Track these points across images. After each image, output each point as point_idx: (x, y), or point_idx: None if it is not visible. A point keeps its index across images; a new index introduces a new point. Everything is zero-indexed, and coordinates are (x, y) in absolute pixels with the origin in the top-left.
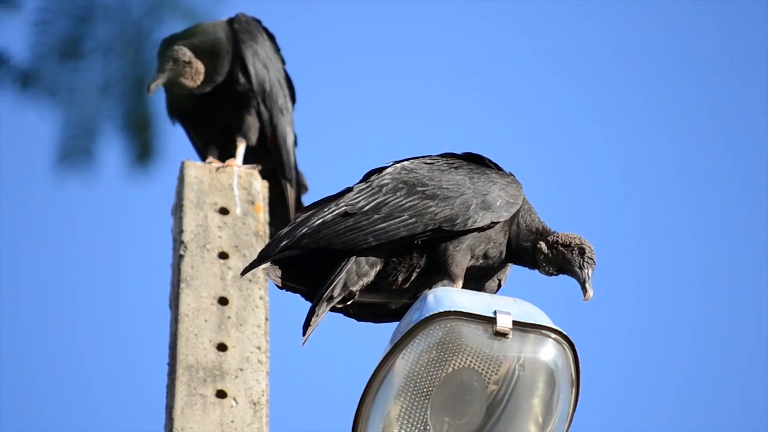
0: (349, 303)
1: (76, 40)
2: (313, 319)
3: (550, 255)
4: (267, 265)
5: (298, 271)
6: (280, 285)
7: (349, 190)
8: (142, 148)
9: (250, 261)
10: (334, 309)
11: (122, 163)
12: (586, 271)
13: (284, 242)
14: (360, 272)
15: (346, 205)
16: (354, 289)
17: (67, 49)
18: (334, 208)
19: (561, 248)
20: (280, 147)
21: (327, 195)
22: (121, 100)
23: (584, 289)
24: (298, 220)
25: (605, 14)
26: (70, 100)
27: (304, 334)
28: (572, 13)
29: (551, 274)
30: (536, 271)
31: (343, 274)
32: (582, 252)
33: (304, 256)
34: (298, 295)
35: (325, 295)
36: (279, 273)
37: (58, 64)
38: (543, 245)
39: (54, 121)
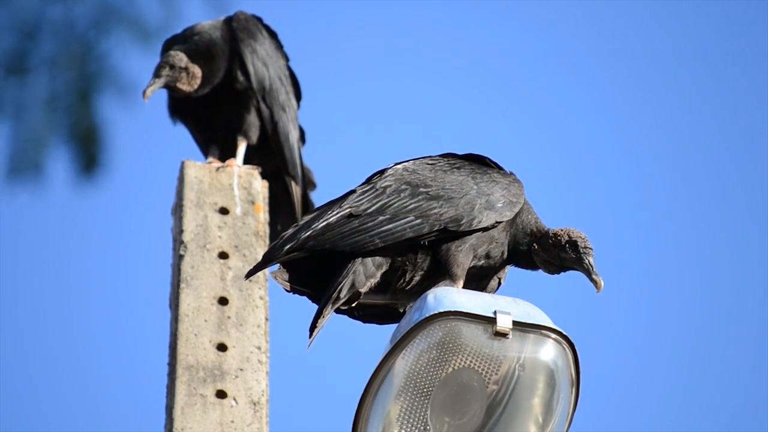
0: (354, 304)
1: (21, 56)
2: (319, 321)
3: (546, 257)
4: (274, 268)
5: (300, 275)
6: (288, 288)
7: (352, 192)
8: (89, 160)
9: (251, 261)
10: (339, 311)
11: (70, 174)
12: (586, 261)
13: (288, 245)
14: (366, 273)
15: (350, 207)
16: (361, 290)
17: (13, 65)
18: (338, 210)
19: (554, 249)
20: (282, 144)
21: (334, 191)
22: (66, 113)
23: (594, 281)
24: (301, 223)
25: (605, 14)
26: (18, 114)
27: (310, 336)
28: (572, 13)
29: (555, 273)
30: (540, 271)
31: (349, 276)
32: (575, 246)
33: (307, 259)
34: (304, 297)
35: (332, 297)
36: (286, 276)
37: (4, 80)
38: (537, 247)
39: (2, 135)
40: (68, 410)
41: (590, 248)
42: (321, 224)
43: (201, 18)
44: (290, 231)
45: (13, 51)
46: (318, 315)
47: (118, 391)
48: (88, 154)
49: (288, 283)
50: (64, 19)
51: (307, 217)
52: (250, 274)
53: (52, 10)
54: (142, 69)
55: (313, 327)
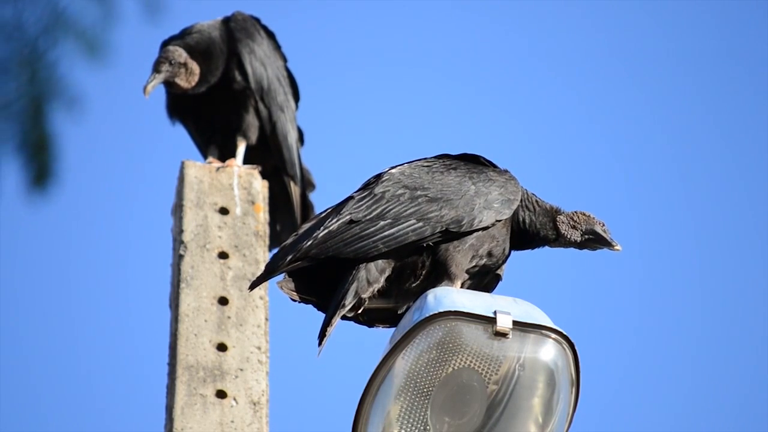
0: (360, 310)
1: None
2: (327, 329)
3: (573, 224)
4: (280, 278)
5: (303, 283)
6: (296, 298)
7: (350, 199)
8: (39, 169)
9: (251, 261)
10: (345, 317)
11: (20, 184)
12: (608, 239)
13: (291, 255)
14: (370, 279)
15: (350, 214)
16: (366, 296)
17: None
18: (338, 218)
19: (581, 215)
20: (281, 144)
21: (333, 191)
22: (17, 120)
23: (610, 244)
24: (300, 232)
25: (605, 14)
26: None
27: (319, 345)
28: (572, 13)
29: (575, 242)
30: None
31: (354, 283)
32: (596, 234)
33: (311, 267)
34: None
35: (339, 305)
36: (292, 286)
37: None
38: (562, 217)
39: None
40: (68, 410)
41: (604, 226)
42: (322, 232)
43: (139, 26)
44: (290, 240)
45: None
46: (326, 323)
47: (118, 391)
48: (40, 163)
49: (295, 293)
50: (14, 24)
51: (305, 226)
52: (253, 286)
53: (1, 12)
54: (89, 83)
55: (322, 335)
